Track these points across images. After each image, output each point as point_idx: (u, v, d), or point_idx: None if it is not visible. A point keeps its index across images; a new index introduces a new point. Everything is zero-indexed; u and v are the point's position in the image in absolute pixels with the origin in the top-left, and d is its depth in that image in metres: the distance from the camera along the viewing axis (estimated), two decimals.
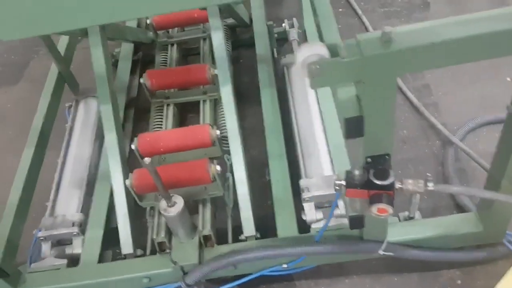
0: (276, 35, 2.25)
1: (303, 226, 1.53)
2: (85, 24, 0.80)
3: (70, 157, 1.86)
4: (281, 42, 2.29)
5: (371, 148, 1.05)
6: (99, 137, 1.95)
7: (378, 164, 1.07)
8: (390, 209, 1.10)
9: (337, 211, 1.54)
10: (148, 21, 2.04)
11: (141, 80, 1.81)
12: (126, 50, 2.27)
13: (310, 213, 1.54)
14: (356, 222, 1.30)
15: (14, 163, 1.72)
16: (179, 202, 1.40)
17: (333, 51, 0.89)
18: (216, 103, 1.94)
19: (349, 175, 1.11)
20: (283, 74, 2.00)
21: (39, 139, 1.73)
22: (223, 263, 1.41)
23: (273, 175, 1.63)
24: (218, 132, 1.57)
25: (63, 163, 1.84)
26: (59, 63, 1.91)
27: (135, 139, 1.59)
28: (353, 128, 0.99)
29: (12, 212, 1.53)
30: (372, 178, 1.08)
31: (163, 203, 1.39)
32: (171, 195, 1.38)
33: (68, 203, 1.72)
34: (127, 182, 1.48)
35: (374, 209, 1.10)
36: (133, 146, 1.58)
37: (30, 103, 1.96)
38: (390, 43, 0.82)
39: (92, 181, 1.81)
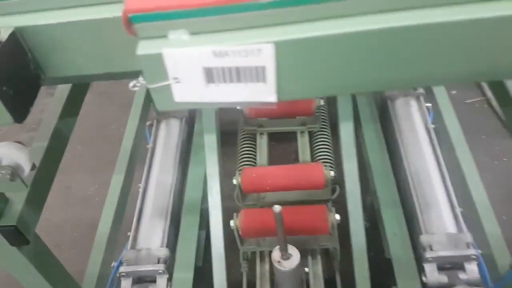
0: None
1: None
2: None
3: (152, 182, 1.71)
4: None
5: None
6: (182, 162, 1.80)
7: None
8: None
9: (462, 276, 1.35)
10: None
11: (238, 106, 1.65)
12: None
13: (433, 275, 1.34)
14: None
15: (83, 181, 1.59)
16: (295, 255, 1.22)
17: None
18: (312, 136, 1.77)
19: None
20: (385, 108, 1.83)
21: (128, 164, 1.59)
22: None
23: (388, 227, 1.44)
24: (332, 173, 1.39)
25: (145, 188, 1.69)
26: None
27: (237, 173, 1.42)
28: None
29: (103, 247, 1.37)
30: None
31: (276, 254, 1.22)
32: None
33: (151, 236, 1.56)
34: (232, 223, 1.31)
35: None
36: (235, 181, 1.41)
37: (97, 116, 1.84)
38: None
39: (176, 210, 1.65)
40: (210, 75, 0.45)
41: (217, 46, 0.43)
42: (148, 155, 1.80)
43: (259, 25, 0.44)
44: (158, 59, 0.45)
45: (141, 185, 1.70)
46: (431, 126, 1.70)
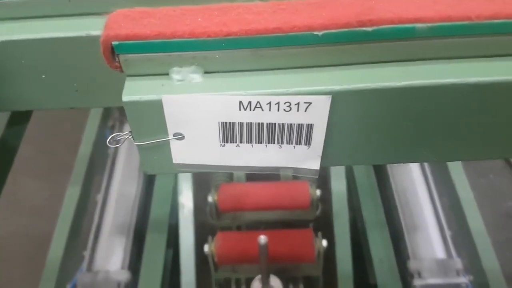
0: None
1: None
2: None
3: (113, 193, 1.52)
4: None
5: None
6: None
7: None
8: None
9: None
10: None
11: None
12: None
13: None
14: None
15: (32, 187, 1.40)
16: (277, 286, 1.10)
17: None
18: None
19: None
20: None
21: (86, 172, 1.40)
22: None
23: (374, 251, 1.33)
24: (318, 192, 1.27)
25: (105, 200, 1.50)
26: None
27: (213, 190, 1.27)
28: None
29: (56, 268, 1.19)
30: None
31: (256, 285, 1.08)
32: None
33: (110, 256, 1.38)
34: (207, 248, 1.16)
35: None
36: (210, 199, 1.26)
37: (49, 111, 1.63)
38: None
39: (139, 227, 1.48)
40: (229, 132, 0.31)
41: (246, 95, 0.28)
42: (109, 162, 1.61)
43: (310, 65, 0.29)
44: (153, 107, 0.30)
45: (100, 196, 1.51)
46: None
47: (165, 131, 0.31)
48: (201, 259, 1.28)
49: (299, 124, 0.29)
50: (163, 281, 1.34)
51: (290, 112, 0.29)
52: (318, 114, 0.29)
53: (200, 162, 0.33)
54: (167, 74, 0.30)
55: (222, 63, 0.29)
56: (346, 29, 0.27)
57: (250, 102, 0.28)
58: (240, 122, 0.30)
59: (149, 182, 1.59)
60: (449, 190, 1.41)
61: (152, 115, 0.30)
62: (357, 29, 0.27)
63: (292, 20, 0.28)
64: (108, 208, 1.48)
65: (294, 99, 0.28)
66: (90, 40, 0.30)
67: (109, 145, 0.34)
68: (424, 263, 1.30)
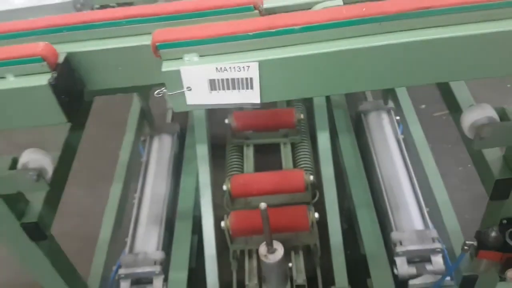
0: None
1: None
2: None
3: (147, 193, 1.85)
4: None
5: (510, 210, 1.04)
6: (174, 174, 1.95)
7: None
8: None
9: (429, 267, 1.51)
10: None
11: (226, 121, 1.82)
12: None
13: (403, 268, 1.51)
14: (469, 282, 1.27)
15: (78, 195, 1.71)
16: (280, 249, 1.37)
17: (502, 115, 0.90)
18: (294, 147, 1.94)
19: (482, 236, 1.09)
20: (359, 121, 2.02)
21: (125, 176, 1.73)
22: None
23: (363, 226, 1.60)
24: (312, 177, 1.56)
25: (140, 198, 1.83)
26: (143, 99, 1.93)
27: (227, 180, 1.58)
28: (502, 190, 0.99)
29: (105, 251, 1.50)
30: (509, 240, 1.06)
31: (263, 249, 1.36)
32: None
33: (147, 240, 1.69)
34: (223, 223, 1.46)
35: (510, 273, 1.07)
36: (224, 187, 1.56)
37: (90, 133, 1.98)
38: None
39: (169, 218, 1.79)
40: (213, 85, 0.62)
41: (218, 65, 0.60)
42: (142, 167, 1.95)
43: (248, 49, 0.61)
44: (176, 74, 0.61)
45: (137, 195, 1.85)
46: (401, 137, 1.89)
47: (182, 86, 0.62)
48: (220, 246, 1.56)
49: (246, 78, 0.60)
50: (191, 258, 1.64)
51: (240, 72, 0.60)
52: (254, 73, 0.60)
53: (201, 103, 0.63)
54: (182, 58, 0.61)
55: (207, 50, 0.61)
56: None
57: (221, 68, 0.60)
58: (217, 79, 0.61)
59: (176, 183, 1.92)
60: (423, 174, 1.68)
61: (176, 78, 0.61)
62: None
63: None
64: (144, 203, 1.81)
65: (241, 65, 0.59)
66: (144, 47, 0.63)
67: (156, 95, 0.64)
68: (405, 233, 1.55)
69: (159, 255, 1.62)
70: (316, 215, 1.45)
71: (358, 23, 0.61)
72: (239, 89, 0.62)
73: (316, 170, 1.72)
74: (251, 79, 0.61)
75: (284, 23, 0.60)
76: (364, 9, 0.61)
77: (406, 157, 1.79)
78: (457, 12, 0.63)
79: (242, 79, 0.61)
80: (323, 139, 1.59)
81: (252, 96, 0.62)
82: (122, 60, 0.66)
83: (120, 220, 1.70)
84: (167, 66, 0.61)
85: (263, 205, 1.24)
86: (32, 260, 1.13)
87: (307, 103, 2.02)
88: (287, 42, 0.61)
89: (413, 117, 1.91)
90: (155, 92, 0.63)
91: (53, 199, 1.10)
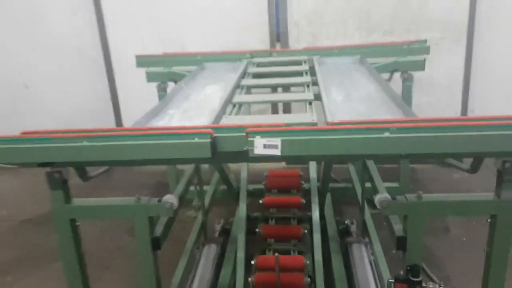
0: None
1: None
2: None
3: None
4: None
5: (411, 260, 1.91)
6: (216, 271, 2.79)
7: (414, 271, 1.91)
8: None
9: None
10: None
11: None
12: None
13: None
14: None
15: None
16: None
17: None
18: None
19: (397, 276, 1.93)
20: (346, 248, 2.92)
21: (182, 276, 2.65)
22: None
23: None
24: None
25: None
26: (204, 214, 2.95)
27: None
28: (401, 245, 1.90)
29: None
30: (410, 277, 1.90)
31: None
32: None
33: None
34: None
35: None
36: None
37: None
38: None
39: None
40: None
41: (268, 141, 1.67)
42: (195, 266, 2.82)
43: None
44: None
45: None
46: (372, 259, 2.76)
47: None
48: None
49: None
50: None
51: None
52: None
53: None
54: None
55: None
56: None
57: (268, 143, 1.70)
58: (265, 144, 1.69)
59: (216, 276, 2.77)
60: None
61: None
62: None
63: None
64: None
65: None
66: None
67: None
68: None
69: None
70: None
71: None
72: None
73: None
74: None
75: None
76: None
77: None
78: None
79: None
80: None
81: None
82: None
83: None
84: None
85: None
86: (147, 267, 2.00)
87: None
88: None
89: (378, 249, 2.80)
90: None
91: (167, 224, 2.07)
